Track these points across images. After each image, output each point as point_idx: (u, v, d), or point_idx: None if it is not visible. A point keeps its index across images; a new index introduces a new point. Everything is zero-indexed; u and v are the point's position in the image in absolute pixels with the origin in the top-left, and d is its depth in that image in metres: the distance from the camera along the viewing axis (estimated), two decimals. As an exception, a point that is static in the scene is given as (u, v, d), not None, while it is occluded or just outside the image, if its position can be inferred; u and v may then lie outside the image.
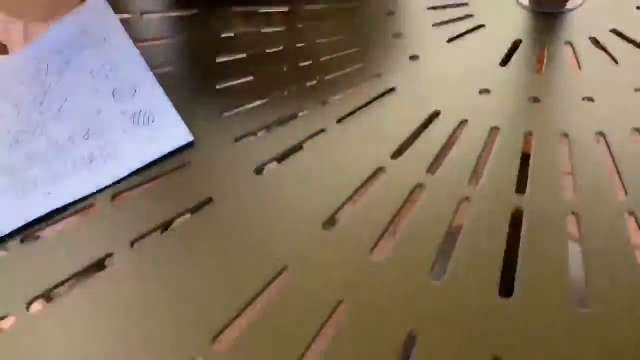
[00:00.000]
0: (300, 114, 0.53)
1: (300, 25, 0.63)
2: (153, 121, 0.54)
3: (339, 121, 0.52)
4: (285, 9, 0.66)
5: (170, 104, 0.55)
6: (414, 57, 0.56)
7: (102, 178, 0.50)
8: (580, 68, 0.51)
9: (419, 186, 0.44)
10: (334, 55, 0.58)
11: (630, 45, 0.53)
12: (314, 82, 0.56)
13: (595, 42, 0.53)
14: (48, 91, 0.59)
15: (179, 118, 0.53)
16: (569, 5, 0.57)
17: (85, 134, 0.54)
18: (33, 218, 0.47)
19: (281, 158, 0.50)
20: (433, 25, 0.59)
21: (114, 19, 0.64)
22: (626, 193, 0.41)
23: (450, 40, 0.57)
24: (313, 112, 0.53)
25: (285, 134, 0.51)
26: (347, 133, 0.50)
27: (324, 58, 0.58)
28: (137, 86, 0.58)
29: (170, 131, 0.52)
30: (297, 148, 0.50)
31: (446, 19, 0.60)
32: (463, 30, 0.58)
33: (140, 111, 0.56)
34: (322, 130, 0.51)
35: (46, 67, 0.62)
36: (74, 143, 0.54)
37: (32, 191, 0.50)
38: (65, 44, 0.64)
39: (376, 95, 0.53)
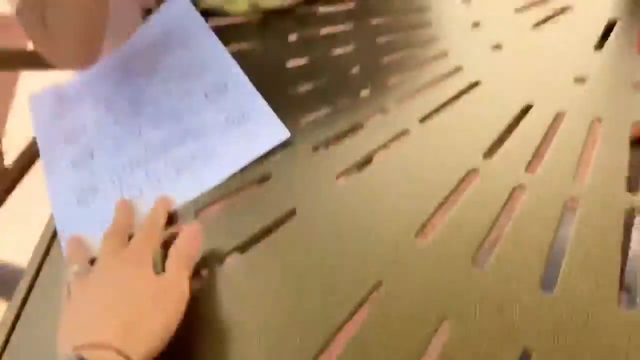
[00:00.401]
0: (381, 114, 0.51)
1: (374, 22, 0.60)
2: (248, 119, 0.54)
3: (422, 120, 0.49)
4: (352, 5, 0.64)
5: (263, 101, 0.54)
6: (497, 47, 0.53)
7: (206, 180, 0.50)
8: (688, 47, 0.47)
9: (519, 187, 0.41)
10: (412, 50, 0.56)
11: None
12: (393, 80, 0.53)
13: (702, 16, 0.48)
14: (140, 94, 0.60)
15: (273, 114, 0.53)
16: (668, -23, 0.52)
17: (182, 136, 0.55)
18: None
19: (363, 164, 0.48)
20: (515, 11, 0.55)
21: (197, 17, 0.64)
22: None
23: (535, 26, 0.53)
24: (394, 112, 0.50)
25: (366, 138, 0.49)
26: (432, 133, 0.48)
27: (401, 54, 0.56)
28: (228, 85, 0.58)
29: (267, 129, 0.52)
30: (379, 152, 0.48)
31: (529, 2, 0.56)
32: (548, 13, 0.54)
33: (235, 110, 0.56)
34: (406, 131, 0.49)
35: (136, 69, 0.64)
36: (172, 146, 0.54)
37: (138, 198, 0.51)
38: (152, 45, 0.65)
39: (459, 90, 0.50)
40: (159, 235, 0.45)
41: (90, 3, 0.55)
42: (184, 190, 0.50)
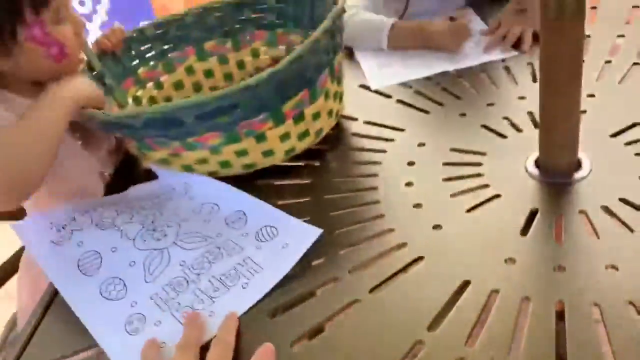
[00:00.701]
0: (333, 283, 0.55)
1: (328, 197, 0.67)
2: (278, 231, 0.61)
3: (371, 290, 0.53)
4: (308, 180, 0.70)
5: (283, 213, 0.62)
6: (436, 227, 0.59)
7: (258, 290, 0.55)
8: (598, 237, 0.54)
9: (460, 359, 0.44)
10: (361, 225, 0.61)
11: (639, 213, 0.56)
12: (344, 252, 0.58)
13: (607, 210, 0.57)
14: (155, 220, 0.66)
15: (298, 220, 0.60)
16: (576, 175, 0.62)
17: (217, 253, 0.60)
18: (207, 339, 0.50)
19: (315, 333, 0.50)
20: (451, 196, 0.63)
21: (191, 176, 0.72)
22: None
23: (469, 210, 0.61)
24: (345, 282, 0.54)
25: (318, 306, 0.52)
26: (381, 303, 0.52)
27: (351, 228, 0.61)
28: (245, 212, 0.65)
29: (299, 234, 0.59)
30: (331, 321, 0.51)
31: (463, 189, 0.64)
32: (480, 199, 0.62)
33: (262, 228, 0.62)
34: (356, 301, 0.52)
35: (143, 204, 0.69)
36: (211, 263, 0.59)
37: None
38: (154, 192, 0.72)
39: (405, 263, 0.55)
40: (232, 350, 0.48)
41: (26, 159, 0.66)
42: (239, 303, 0.54)
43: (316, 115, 0.72)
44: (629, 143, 0.65)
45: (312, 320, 0.51)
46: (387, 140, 0.75)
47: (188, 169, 0.72)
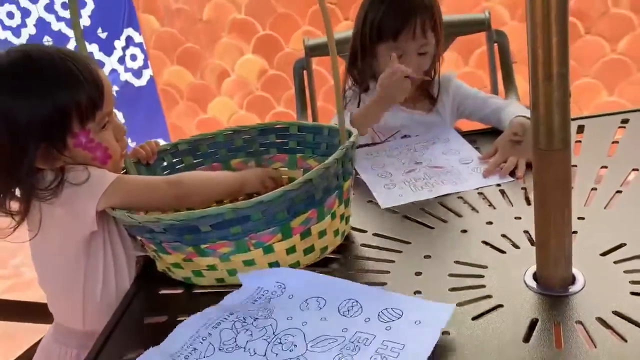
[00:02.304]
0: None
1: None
2: (402, 312, 0.64)
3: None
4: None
5: (396, 294, 0.67)
6: (445, 332, 0.63)
7: None
8: (595, 346, 0.58)
9: None
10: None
11: (632, 325, 0.61)
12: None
13: (601, 321, 0.61)
14: (277, 331, 0.67)
15: (420, 299, 0.66)
16: (571, 289, 0.67)
17: (355, 346, 0.62)
18: None
19: None
20: (457, 305, 0.68)
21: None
22: None
23: (474, 318, 0.65)
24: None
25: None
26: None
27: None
28: (358, 300, 0.68)
29: (430, 311, 0.63)
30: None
31: (467, 298, 0.69)
32: (484, 309, 0.66)
33: (381, 311, 0.65)
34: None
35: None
36: (350, 355, 0.60)
37: None
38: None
39: (415, 367, 0.59)
40: None
41: None
42: None
43: (322, 233, 0.78)
44: (617, 261, 0.71)
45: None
46: (395, 251, 0.81)
47: (198, 274, 0.77)
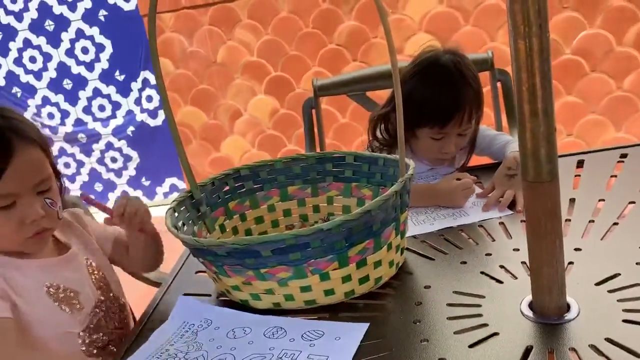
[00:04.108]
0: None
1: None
2: (323, 332, 0.73)
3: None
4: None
5: (312, 320, 0.77)
6: (442, 359, 0.65)
7: None
8: (587, 371, 0.60)
9: None
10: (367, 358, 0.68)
11: (624, 352, 0.62)
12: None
13: (594, 349, 0.63)
14: (209, 357, 0.73)
15: (338, 322, 0.75)
16: (566, 317, 0.69)
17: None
18: None
19: None
20: (454, 333, 0.70)
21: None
22: None
23: (471, 346, 0.67)
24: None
25: None
26: None
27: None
28: (280, 326, 0.77)
29: (347, 330, 0.73)
30: None
31: (465, 327, 0.71)
32: (480, 337, 0.68)
33: (304, 333, 0.74)
34: None
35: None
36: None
37: None
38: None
39: (412, 393, 0.61)
40: None
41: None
42: None
43: (378, 264, 0.80)
44: (611, 290, 0.73)
45: None
46: (397, 280, 0.83)
47: (256, 297, 0.81)
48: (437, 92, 1.12)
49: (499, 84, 1.59)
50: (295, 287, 0.78)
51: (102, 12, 2.96)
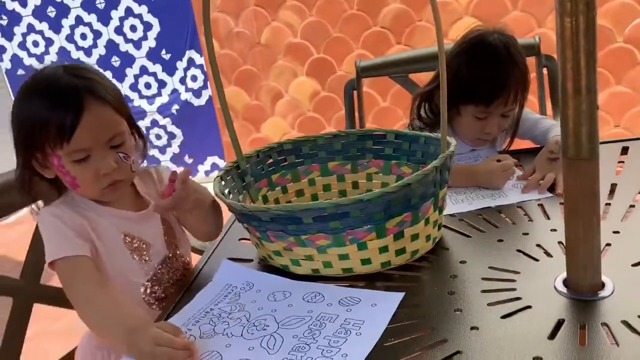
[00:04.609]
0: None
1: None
2: (359, 299, 0.77)
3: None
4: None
5: (350, 288, 0.79)
6: (474, 328, 0.67)
7: (371, 337, 0.68)
8: (618, 345, 0.61)
9: None
10: (402, 324, 0.70)
11: (658, 330, 0.63)
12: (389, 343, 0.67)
13: (627, 324, 0.64)
14: (251, 318, 0.77)
15: (380, 293, 0.77)
16: (600, 294, 0.70)
17: (321, 324, 0.73)
18: None
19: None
20: (488, 304, 0.72)
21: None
22: None
23: (503, 317, 0.69)
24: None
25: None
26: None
27: (397, 324, 0.70)
28: (317, 291, 0.81)
29: (383, 298, 0.76)
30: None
31: (498, 299, 0.72)
32: (513, 309, 0.70)
33: (341, 299, 0.77)
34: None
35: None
36: (320, 330, 0.72)
37: None
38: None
39: (444, 357, 0.63)
40: None
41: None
42: (362, 345, 0.67)
43: (415, 237, 0.83)
44: (648, 271, 0.73)
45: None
46: (433, 255, 0.86)
47: (296, 263, 0.85)
48: (485, 70, 1.13)
49: (544, 70, 1.57)
50: (333, 255, 0.81)
51: (150, -8, 3.03)
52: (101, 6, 3.09)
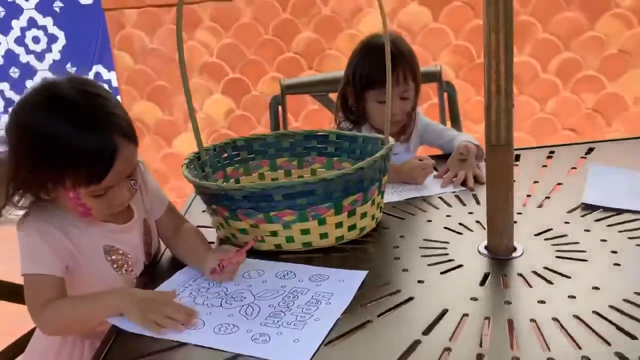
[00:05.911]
0: (356, 311, 0.76)
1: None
2: (328, 276, 0.86)
3: (379, 315, 0.74)
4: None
5: (319, 267, 0.88)
6: (420, 281, 0.83)
7: (340, 305, 0.77)
8: (530, 286, 0.79)
9: None
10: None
11: (557, 275, 0.82)
12: (359, 291, 0.80)
13: (536, 273, 0.83)
14: (228, 292, 0.85)
15: (346, 271, 0.87)
16: (514, 255, 0.88)
17: (294, 296, 0.81)
18: None
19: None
20: (428, 265, 0.88)
21: None
22: None
23: (442, 273, 0.85)
24: (358, 311, 0.76)
25: (344, 325, 0.73)
26: (387, 322, 0.73)
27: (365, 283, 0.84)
28: (289, 270, 0.89)
29: (349, 275, 0.85)
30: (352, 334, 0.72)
31: (436, 262, 0.89)
32: (449, 267, 0.87)
33: (311, 276, 0.86)
34: (369, 321, 0.73)
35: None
36: (293, 302, 0.80)
37: (284, 342, 0.71)
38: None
39: (402, 300, 0.78)
40: None
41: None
42: (333, 310, 0.76)
43: (363, 215, 0.97)
44: (547, 239, 0.93)
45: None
46: (377, 233, 1.01)
47: (260, 240, 0.94)
48: (374, 59, 1.28)
49: (445, 95, 1.81)
50: (297, 230, 0.93)
51: (58, 4, 2.99)
52: (0, 15, 2.99)
